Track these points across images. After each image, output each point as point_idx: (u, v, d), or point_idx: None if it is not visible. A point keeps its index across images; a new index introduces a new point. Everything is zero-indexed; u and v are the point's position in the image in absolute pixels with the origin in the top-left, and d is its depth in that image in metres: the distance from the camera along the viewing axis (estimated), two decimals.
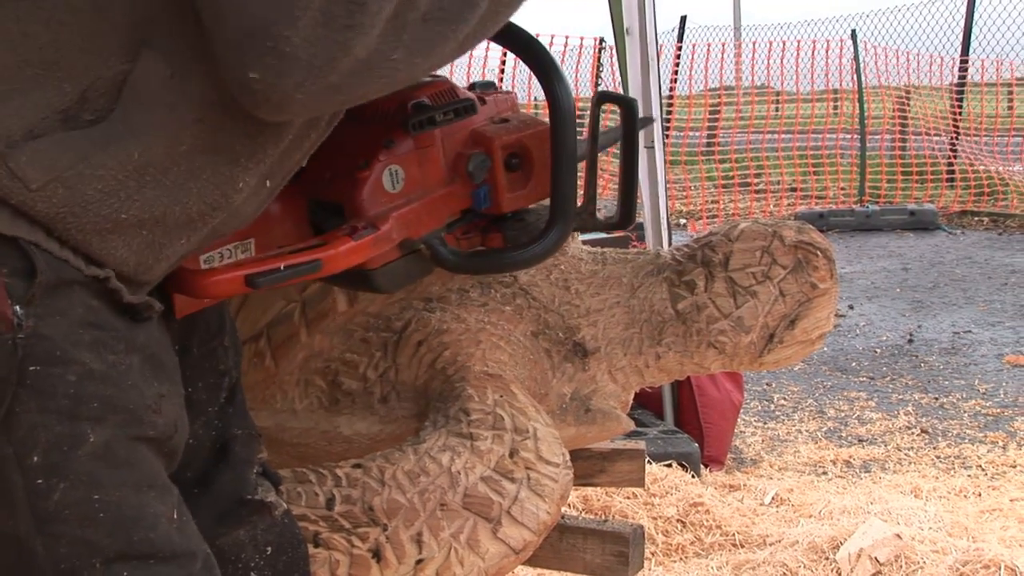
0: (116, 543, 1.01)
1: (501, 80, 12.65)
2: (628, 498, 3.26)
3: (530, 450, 1.54)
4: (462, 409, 1.60)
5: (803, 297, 1.85)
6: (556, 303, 1.85)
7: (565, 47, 12.09)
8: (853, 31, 11.99)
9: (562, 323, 1.85)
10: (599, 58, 12.51)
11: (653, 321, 1.86)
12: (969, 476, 3.81)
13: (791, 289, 1.85)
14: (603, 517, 2.98)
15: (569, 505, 2.98)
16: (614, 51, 4.67)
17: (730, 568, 2.94)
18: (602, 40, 12.32)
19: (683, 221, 9.89)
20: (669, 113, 11.10)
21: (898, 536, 2.84)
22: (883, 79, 12.43)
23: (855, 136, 11.57)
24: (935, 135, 11.89)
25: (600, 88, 12.12)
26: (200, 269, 1.16)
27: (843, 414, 4.63)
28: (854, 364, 5.41)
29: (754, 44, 12.99)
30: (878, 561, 2.77)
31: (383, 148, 1.38)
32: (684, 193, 10.92)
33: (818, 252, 1.86)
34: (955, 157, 11.42)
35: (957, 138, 11.63)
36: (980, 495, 3.58)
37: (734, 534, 3.15)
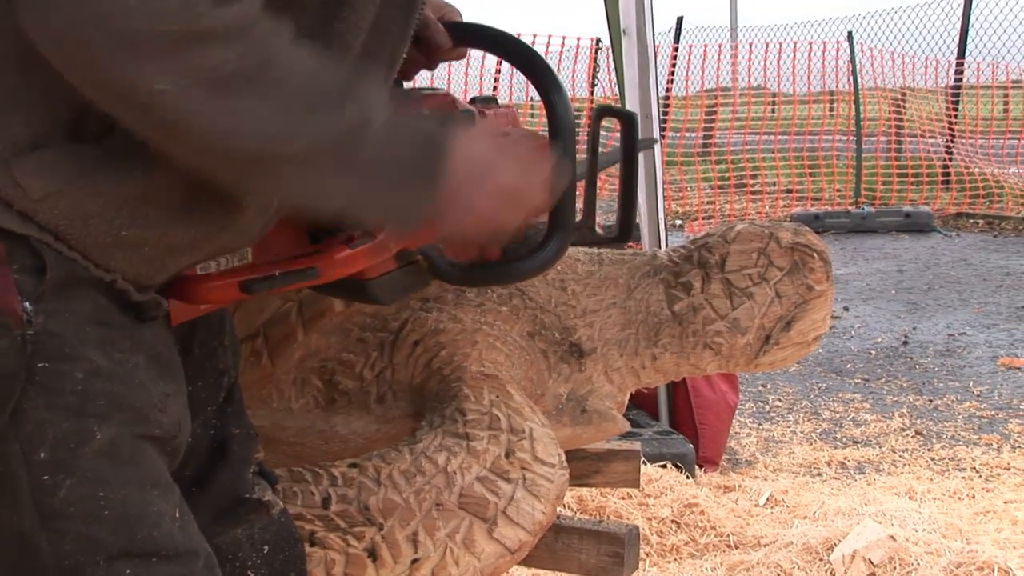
0: (120, 541, 1.01)
1: (498, 80, 12.66)
2: (623, 499, 3.26)
3: (526, 450, 1.54)
4: (458, 409, 1.60)
5: (799, 299, 1.85)
6: (552, 304, 1.86)
7: (562, 48, 12.11)
8: (849, 33, 12.00)
9: (558, 324, 1.85)
10: (595, 59, 12.49)
11: (649, 322, 1.87)
12: (963, 478, 3.81)
13: (787, 291, 1.85)
14: (598, 518, 2.98)
15: (564, 505, 2.98)
16: (610, 52, 4.67)
17: (724, 569, 2.94)
18: (599, 41, 12.31)
19: (679, 222, 9.90)
20: (665, 114, 11.09)
21: (892, 538, 2.85)
22: (879, 81, 12.46)
23: (851, 138, 11.57)
24: (931, 137, 11.91)
25: (596, 88, 12.13)
26: (196, 275, 1.16)
27: (838, 416, 4.63)
28: (849, 366, 5.42)
29: (750, 45, 13.03)
30: (872, 562, 2.78)
31: None
32: (680, 194, 10.92)
33: (814, 254, 1.86)
34: (951, 159, 11.43)
35: (953, 140, 11.64)
36: (974, 497, 3.59)
37: (729, 535, 3.15)
